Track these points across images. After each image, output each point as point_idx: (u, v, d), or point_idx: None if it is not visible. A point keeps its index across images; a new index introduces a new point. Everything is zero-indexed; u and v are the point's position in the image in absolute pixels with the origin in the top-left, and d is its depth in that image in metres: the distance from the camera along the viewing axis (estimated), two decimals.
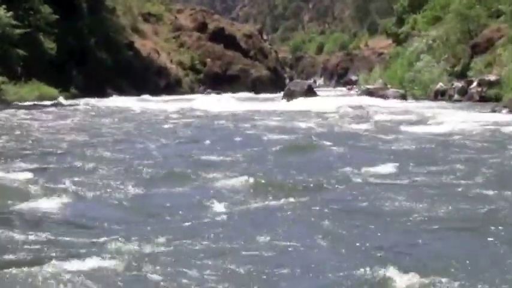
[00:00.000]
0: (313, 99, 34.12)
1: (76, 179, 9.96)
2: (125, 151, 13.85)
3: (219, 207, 8.02)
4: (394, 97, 38.42)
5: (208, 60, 73.49)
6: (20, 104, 36.04)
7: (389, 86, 41.69)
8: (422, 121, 21.16)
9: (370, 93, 40.08)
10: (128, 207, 8.28)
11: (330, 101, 33.42)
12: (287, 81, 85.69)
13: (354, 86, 69.64)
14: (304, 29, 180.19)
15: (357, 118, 22.70)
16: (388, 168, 10.86)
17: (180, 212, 7.92)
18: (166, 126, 21.48)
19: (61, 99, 41.30)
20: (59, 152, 14.01)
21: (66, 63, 51.30)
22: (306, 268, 5.74)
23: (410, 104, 33.11)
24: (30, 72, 44.55)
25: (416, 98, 39.64)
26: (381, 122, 21.01)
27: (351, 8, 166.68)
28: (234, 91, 60.67)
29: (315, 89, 40.20)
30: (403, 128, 18.50)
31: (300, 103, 31.50)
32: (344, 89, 76.11)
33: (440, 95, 37.85)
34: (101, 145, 15.16)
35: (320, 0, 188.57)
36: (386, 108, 28.38)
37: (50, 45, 48.82)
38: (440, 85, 38.35)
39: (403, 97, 38.82)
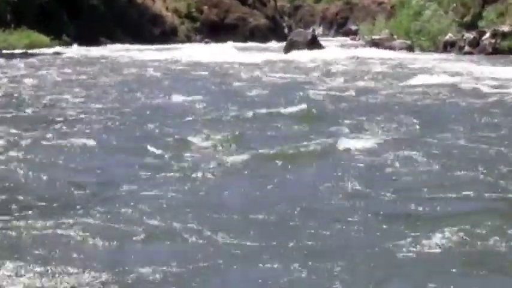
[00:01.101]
0: (317, 50, 32.32)
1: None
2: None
3: None
4: (401, 48, 36.60)
5: (205, 7, 71.08)
6: (6, 52, 34.24)
7: (395, 36, 39.79)
8: (439, 74, 19.54)
9: (375, 44, 38.19)
10: None
11: (337, 52, 31.70)
12: (286, 30, 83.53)
13: (357, 36, 67.51)
14: None
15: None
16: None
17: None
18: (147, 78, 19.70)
19: (48, 47, 39.56)
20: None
21: (57, 10, 49.33)
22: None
23: (420, 56, 31.33)
24: (20, 19, 42.70)
25: (423, 49, 37.85)
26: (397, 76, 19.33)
27: None
28: (231, 40, 58.62)
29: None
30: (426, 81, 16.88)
31: (304, 55, 29.65)
32: (347, 39, 73.74)
33: (449, 47, 36.06)
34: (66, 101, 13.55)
35: None
36: (397, 61, 26.64)
37: None
38: (449, 36, 36.54)
39: (410, 48, 37.01)
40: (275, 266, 4.97)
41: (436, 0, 40.72)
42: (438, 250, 5.23)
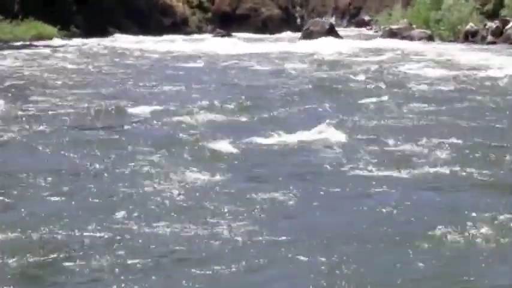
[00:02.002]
0: (336, 40, 31.00)
1: None
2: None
3: None
4: (420, 38, 35.33)
5: None
6: (11, 44, 33.05)
7: (414, 26, 38.41)
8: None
9: (393, 34, 36.83)
10: None
11: (356, 43, 30.42)
12: (298, 20, 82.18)
13: (373, 26, 66.18)
14: None
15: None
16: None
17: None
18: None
19: (56, 39, 38.43)
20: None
21: (65, 1, 48.16)
22: None
23: (443, 46, 29.98)
24: (28, 9, 41.54)
25: (443, 39, 36.54)
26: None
27: None
28: (243, 31, 57.41)
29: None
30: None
31: (323, 45, 28.27)
32: (362, 29, 72.25)
33: (471, 36, 34.73)
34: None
35: None
36: (420, 53, 25.32)
37: None
38: (470, 25, 35.22)
39: (430, 38, 35.69)
40: None
41: None
42: None
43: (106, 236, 5.19)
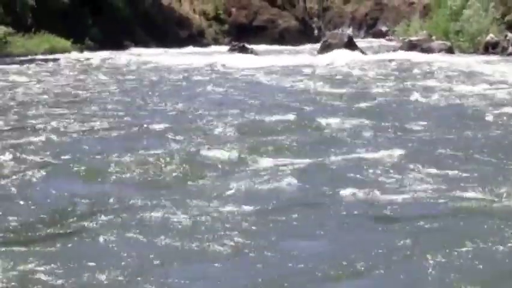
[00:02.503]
0: (355, 53, 30.20)
1: None
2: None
3: None
4: (440, 50, 34.43)
5: (234, 9, 69.20)
6: (22, 58, 32.51)
7: (433, 37, 37.60)
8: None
9: (412, 45, 35.91)
10: None
11: (376, 56, 29.64)
12: (316, 32, 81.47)
13: (392, 37, 65.31)
14: None
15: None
16: None
17: None
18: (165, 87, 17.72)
19: (68, 53, 38.00)
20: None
21: (80, 13, 47.68)
22: None
23: (465, 59, 29.07)
24: (41, 22, 41.08)
25: (463, 51, 35.73)
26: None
27: None
28: (260, 42, 56.73)
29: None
30: None
31: (343, 57, 27.49)
32: (380, 40, 71.38)
33: (491, 48, 33.91)
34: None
35: None
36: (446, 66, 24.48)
37: None
38: (490, 36, 34.40)
39: (450, 50, 34.83)
40: None
41: None
42: None
43: None
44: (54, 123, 11.17)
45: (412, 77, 20.07)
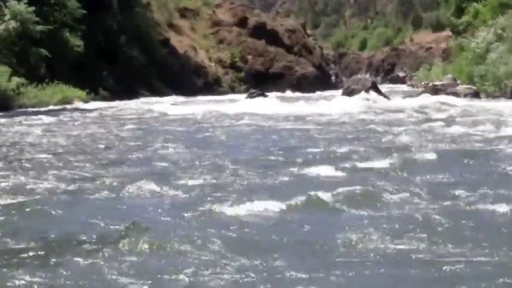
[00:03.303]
0: (381, 98, 29.03)
1: None
2: None
3: None
4: (466, 95, 33.25)
5: (250, 57, 68.51)
6: (34, 109, 31.60)
7: (458, 81, 36.42)
8: None
9: (436, 90, 34.75)
10: None
11: (403, 102, 28.43)
12: (333, 78, 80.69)
13: (412, 82, 64.21)
14: (346, 25, 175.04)
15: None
16: None
17: None
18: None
19: (77, 103, 37.11)
20: None
21: (94, 63, 47.01)
22: None
23: (496, 104, 27.80)
24: (55, 72, 40.33)
25: (489, 95, 34.53)
26: None
27: (395, 2, 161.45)
28: (277, 90, 55.77)
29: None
30: None
31: (368, 103, 26.32)
32: (400, 85, 70.41)
33: None
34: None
35: None
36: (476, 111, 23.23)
37: (76, 42, 44.45)
38: None
39: (476, 95, 33.64)
40: None
41: (500, 42, 37.49)
42: None
43: None
44: (55, 177, 10.05)
45: (444, 121, 18.80)
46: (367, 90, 29.99)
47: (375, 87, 31.35)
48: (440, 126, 17.28)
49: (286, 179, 9.64)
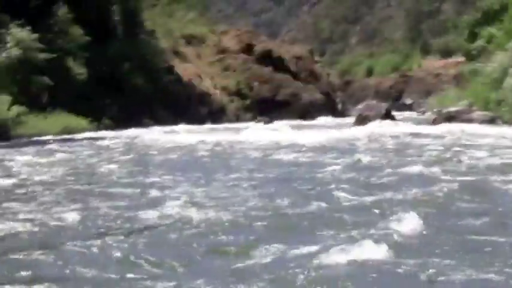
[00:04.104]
0: (397, 125, 27.75)
1: None
2: None
3: None
4: (482, 121, 31.94)
5: (256, 84, 67.40)
6: (33, 139, 30.41)
7: (473, 108, 35.09)
8: None
9: (451, 117, 33.46)
10: None
11: (424, 129, 27.17)
12: (339, 105, 79.49)
13: (424, 109, 63.05)
14: (351, 52, 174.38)
15: None
16: None
17: None
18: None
19: (84, 133, 35.98)
20: None
21: (98, 91, 45.99)
22: None
23: None
24: (57, 101, 39.30)
25: (506, 122, 33.22)
26: None
27: (403, 28, 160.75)
28: (284, 117, 54.62)
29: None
30: None
31: (385, 130, 24.96)
32: (410, 113, 69.20)
33: None
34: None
35: (368, 23, 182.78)
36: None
37: (80, 70, 43.54)
38: None
39: (493, 121, 32.32)
40: None
41: None
42: None
43: None
44: (48, 210, 8.85)
45: (467, 149, 17.51)
46: (382, 117, 28.75)
47: (388, 114, 30.08)
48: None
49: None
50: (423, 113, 60.69)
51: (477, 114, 33.35)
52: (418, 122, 35.48)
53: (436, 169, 13.05)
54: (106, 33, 49.91)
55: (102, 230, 8.22)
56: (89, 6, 46.95)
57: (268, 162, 16.40)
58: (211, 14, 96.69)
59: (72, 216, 9.03)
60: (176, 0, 75.64)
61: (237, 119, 60.65)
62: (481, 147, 18.48)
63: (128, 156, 19.87)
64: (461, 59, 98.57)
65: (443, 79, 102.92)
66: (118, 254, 6.91)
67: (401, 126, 28.44)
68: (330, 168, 13.91)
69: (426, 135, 23.88)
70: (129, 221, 8.67)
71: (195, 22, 73.92)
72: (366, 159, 15.77)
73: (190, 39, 69.33)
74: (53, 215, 9.23)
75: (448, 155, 16.35)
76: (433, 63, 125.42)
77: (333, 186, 11.08)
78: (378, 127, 26.96)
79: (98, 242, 7.40)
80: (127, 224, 8.50)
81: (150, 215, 9.00)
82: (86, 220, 8.85)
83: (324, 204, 9.41)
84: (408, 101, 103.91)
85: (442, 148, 18.55)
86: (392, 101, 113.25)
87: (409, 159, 15.70)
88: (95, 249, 7.11)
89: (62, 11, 43.63)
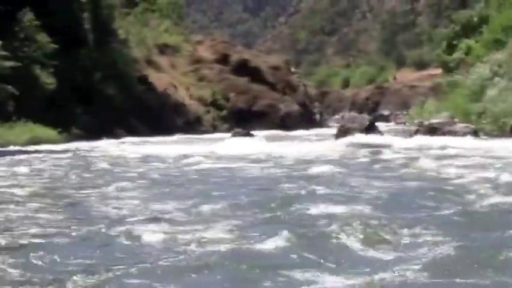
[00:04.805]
0: (378, 137, 26.59)
1: None
2: None
3: None
4: (464, 134, 30.84)
5: (232, 95, 66.23)
6: None
7: (455, 120, 34.02)
8: None
9: (432, 129, 32.30)
10: None
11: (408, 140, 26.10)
12: (317, 116, 78.41)
13: (402, 121, 62.05)
14: (328, 63, 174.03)
15: None
16: None
17: None
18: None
19: (50, 144, 34.52)
20: None
21: (68, 100, 44.59)
22: None
23: (506, 144, 25.40)
24: (24, 110, 37.84)
25: (487, 134, 32.30)
26: None
27: (377, 40, 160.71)
28: (261, 128, 53.43)
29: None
30: None
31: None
32: (388, 124, 68.48)
33: None
34: None
35: (344, 34, 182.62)
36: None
37: (48, 79, 42.13)
38: None
39: (475, 133, 31.29)
40: None
41: (498, 77, 35.41)
42: None
43: None
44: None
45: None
46: (365, 130, 27.55)
47: (372, 126, 28.88)
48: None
49: None
50: (403, 124, 59.87)
51: (459, 126, 32.27)
52: (399, 134, 34.34)
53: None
54: (77, 41, 48.54)
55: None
56: (57, 13, 45.54)
57: (244, 178, 15.15)
58: (186, 25, 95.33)
59: None
60: (150, 10, 74.25)
61: (214, 129, 59.53)
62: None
63: (82, 169, 18.56)
64: (436, 71, 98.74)
65: (419, 91, 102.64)
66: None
67: (384, 138, 27.30)
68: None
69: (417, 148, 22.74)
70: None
71: (169, 32, 72.60)
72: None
73: (164, 49, 68.01)
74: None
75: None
76: (408, 75, 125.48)
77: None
78: (360, 139, 25.74)
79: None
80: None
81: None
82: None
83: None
84: (385, 112, 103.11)
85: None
86: (369, 112, 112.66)
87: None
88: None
89: (28, 18, 42.21)
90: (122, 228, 8.26)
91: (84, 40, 51.17)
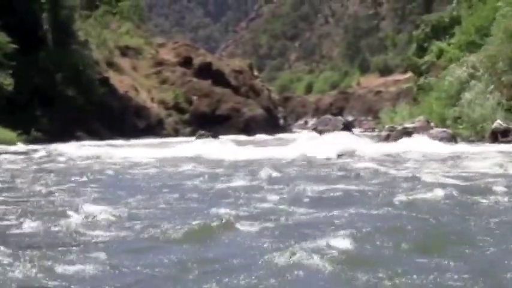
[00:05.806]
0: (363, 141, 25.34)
1: None
2: None
3: None
4: (441, 139, 29.68)
5: (195, 98, 64.81)
6: None
7: (432, 124, 32.81)
8: None
9: (407, 133, 31.11)
10: None
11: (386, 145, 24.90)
12: (281, 121, 77.25)
13: (367, 126, 60.99)
14: (291, 68, 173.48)
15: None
16: None
17: None
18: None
19: (10, 146, 32.87)
20: None
21: (27, 102, 42.95)
22: None
23: (489, 149, 24.25)
24: None
25: (464, 139, 31.14)
26: None
27: (341, 45, 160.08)
28: (224, 132, 52.05)
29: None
30: None
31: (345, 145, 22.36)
32: (356, 130, 67.36)
33: (501, 136, 29.29)
34: None
35: (307, 39, 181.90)
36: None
37: (5, 81, 40.55)
38: (498, 123, 29.84)
39: (453, 139, 30.14)
40: None
41: (474, 79, 34.33)
42: None
43: None
44: None
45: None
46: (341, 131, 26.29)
47: (348, 129, 27.64)
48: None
49: None
50: (372, 129, 58.79)
51: (436, 131, 31.11)
52: (372, 139, 33.06)
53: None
54: (35, 42, 46.84)
55: None
56: (16, 13, 43.89)
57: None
58: (148, 28, 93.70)
59: None
60: (111, 12, 72.53)
61: (177, 133, 58.15)
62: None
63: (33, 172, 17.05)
64: (401, 76, 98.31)
65: (385, 96, 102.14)
66: None
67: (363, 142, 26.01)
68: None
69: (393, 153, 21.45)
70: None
71: (130, 34, 70.96)
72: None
73: (126, 51, 66.43)
74: None
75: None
76: (373, 80, 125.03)
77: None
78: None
79: None
80: None
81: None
82: None
83: None
84: (349, 118, 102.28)
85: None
86: None
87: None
88: None
89: None
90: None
91: (43, 41, 49.51)
